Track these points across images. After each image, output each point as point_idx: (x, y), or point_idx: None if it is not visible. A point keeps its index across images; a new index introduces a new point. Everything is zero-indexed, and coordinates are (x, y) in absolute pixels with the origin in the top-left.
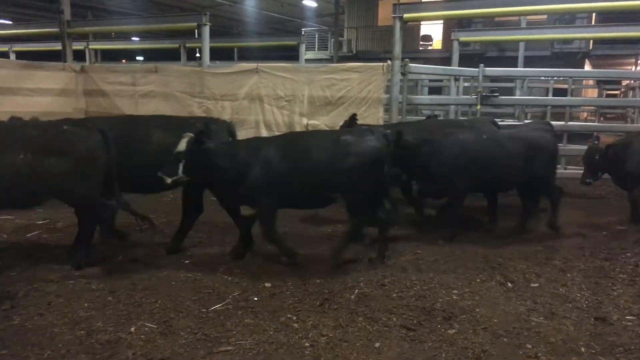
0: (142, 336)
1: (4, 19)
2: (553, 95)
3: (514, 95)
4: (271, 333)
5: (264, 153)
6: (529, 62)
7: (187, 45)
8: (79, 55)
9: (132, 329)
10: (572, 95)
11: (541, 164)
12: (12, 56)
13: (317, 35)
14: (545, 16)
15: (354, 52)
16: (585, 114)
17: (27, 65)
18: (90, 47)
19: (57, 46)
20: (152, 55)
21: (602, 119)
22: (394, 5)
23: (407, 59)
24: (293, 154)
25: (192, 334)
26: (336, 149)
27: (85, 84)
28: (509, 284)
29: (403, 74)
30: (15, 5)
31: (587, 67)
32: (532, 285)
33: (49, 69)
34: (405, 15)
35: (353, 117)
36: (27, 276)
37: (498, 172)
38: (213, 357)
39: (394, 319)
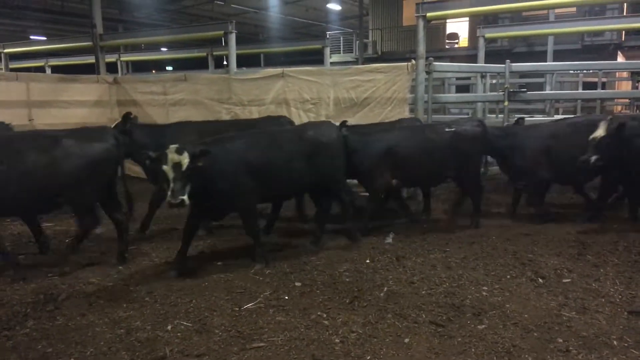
0: (179, 334)
1: (39, 35)
2: (584, 89)
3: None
4: (302, 330)
5: None
6: (559, 56)
7: (214, 53)
8: (112, 67)
9: (169, 327)
10: (603, 89)
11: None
12: (48, 70)
13: (342, 38)
14: (574, 8)
15: (380, 53)
16: (619, 108)
17: (63, 79)
18: (122, 59)
19: (91, 59)
20: (181, 65)
21: (638, 111)
22: (417, 4)
23: (431, 58)
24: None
25: (226, 332)
26: (55, 151)
27: (118, 94)
28: (540, 280)
29: (428, 72)
30: (50, 22)
31: (620, 59)
32: (564, 280)
33: (83, 82)
34: (429, 14)
35: (127, 116)
36: (69, 279)
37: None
38: (246, 353)
39: (423, 316)
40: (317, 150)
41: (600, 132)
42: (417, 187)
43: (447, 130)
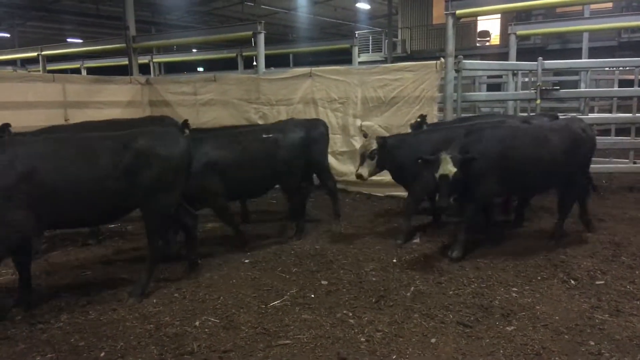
0: (206, 330)
1: (75, 37)
2: (621, 87)
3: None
4: (328, 328)
5: None
6: (595, 53)
7: (244, 54)
8: (144, 69)
9: (197, 323)
10: None
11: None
12: (84, 72)
13: (370, 37)
14: (610, 4)
15: (409, 52)
16: None
17: (97, 80)
18: (154, 60)
19: (124, 61)
20: (211, 66)
21: None
22: (447, 1)
23: (460, 56)
24: None
25: (253, 328)
26: None
27: (150, 95)
28: (572, 282)
29: (457, 70)
30: (85, 25)
31: None
32: (597, 282)
33: (117, 83)
34: (458, 12)
35: (4, 126)
36: (101, 275)
37: None
38: (272, 350)
39: (451, 316)
40: (148, 165)
41: (450, 168)
42: (240, 199)
43: (265, 136)
